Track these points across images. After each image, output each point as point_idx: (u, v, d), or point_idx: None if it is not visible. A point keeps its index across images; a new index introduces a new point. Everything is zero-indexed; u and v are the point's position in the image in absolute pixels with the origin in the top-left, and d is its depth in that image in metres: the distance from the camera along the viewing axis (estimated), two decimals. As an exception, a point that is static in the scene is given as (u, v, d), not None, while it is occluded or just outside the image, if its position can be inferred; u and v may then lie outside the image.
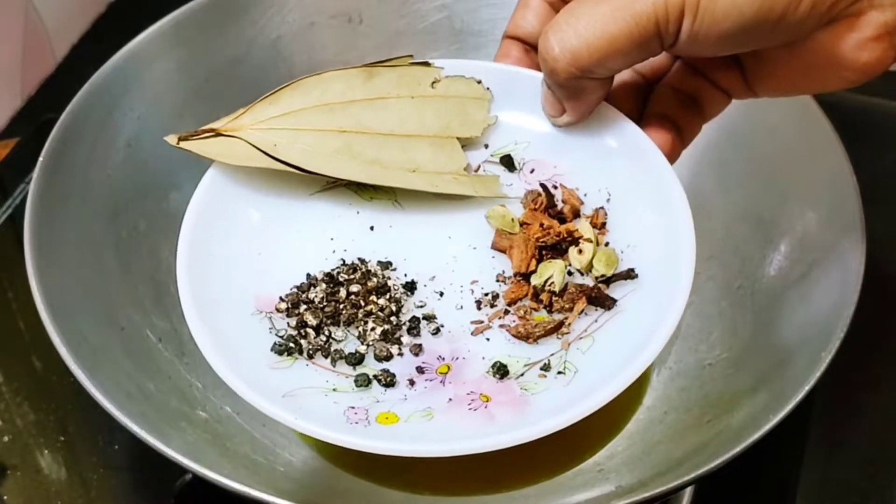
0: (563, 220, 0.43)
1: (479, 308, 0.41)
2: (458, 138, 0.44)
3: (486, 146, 0.45)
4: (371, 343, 0.40)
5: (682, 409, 0.51)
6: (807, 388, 0.42)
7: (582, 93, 0.40)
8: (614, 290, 0.41)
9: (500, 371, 0.39)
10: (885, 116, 0.69)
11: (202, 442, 0.47)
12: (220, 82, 0.58)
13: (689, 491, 0.49)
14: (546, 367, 0.39)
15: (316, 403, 0.38)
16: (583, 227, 0.42)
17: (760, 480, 0.51)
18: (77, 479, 0.51)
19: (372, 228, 0.44)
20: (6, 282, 0.59)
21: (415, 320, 0.41)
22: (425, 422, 0.37)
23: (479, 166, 0.44)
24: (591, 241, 0.41)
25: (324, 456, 0.51)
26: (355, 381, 0.39)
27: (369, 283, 0.41)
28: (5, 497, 0.50)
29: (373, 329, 0.40)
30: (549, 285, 0.41)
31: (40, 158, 0.50)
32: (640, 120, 0.43)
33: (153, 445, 0.41)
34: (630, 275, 0.41)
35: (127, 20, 0.73)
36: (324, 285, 0.41)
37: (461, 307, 0.41)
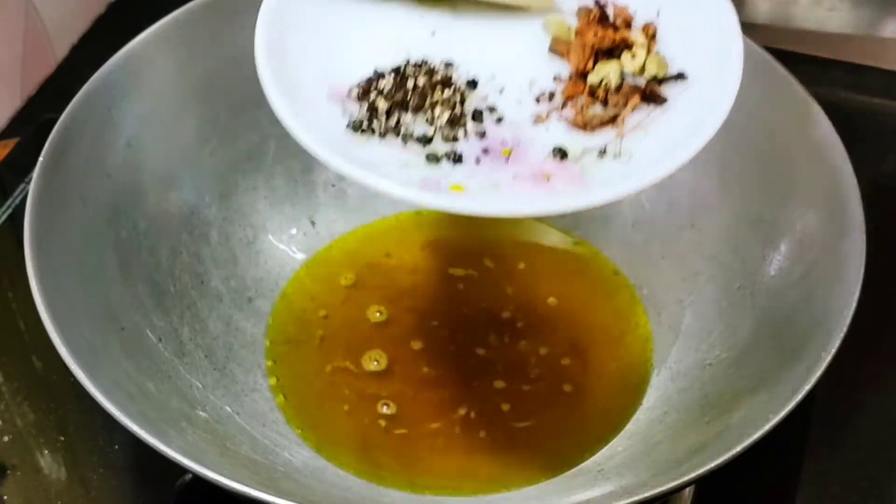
0: (616, 31, 0.45)
1: (537, 102, 0.44)
2: None
3: None
4: (439, 127, 0.43)
5: (682, 409, 0.51)
6: (807, 388, 0.42)
7: None
8: (665, 92, 0.43)
9: (561, 154, 0.41)
10: (885, 116, 0.69)
11: (202, 442, 0.47)
12: (220, 82, 0.58)
13: (689, 491, 0.49)
14: (603, 153, 0.41)
15: (392, 173, 0.40)
16: (635, 35, 0.44)
17: (760, 480, 0.51)
18: (77, 479, 0.51)
19: (433, 34, 0.46)
20: (6, 282, 0.59)
21: (478, 110, 0.43)
22: (493, 191, 0.40)
23: None
24: (643, 46, 0.44)
25: (324, 456, 0.51)
26: (426, 157, 0.41)
27: (434, 78, 0.44)
28: (5, 497, 0.50)
29: (439, 116, 0.43)
30: (606, 82, 0.43)
31: (40, 158, 0.49)
32: None
33: (153, 445, 0.41)
34: (680, 76, 0.43)
35: (127, 20, 0.73)
36: (392, 77, 0.44)
37: (521, 101, 0.44)
